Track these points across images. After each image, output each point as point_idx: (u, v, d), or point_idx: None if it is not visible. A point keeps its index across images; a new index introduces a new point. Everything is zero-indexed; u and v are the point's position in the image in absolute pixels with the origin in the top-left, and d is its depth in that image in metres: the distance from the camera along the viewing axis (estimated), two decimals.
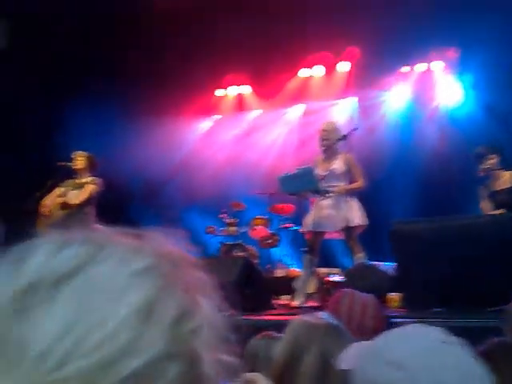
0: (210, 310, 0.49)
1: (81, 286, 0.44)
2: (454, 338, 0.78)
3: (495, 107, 6.74)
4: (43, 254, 0.46)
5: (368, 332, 2.05)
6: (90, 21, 7.73)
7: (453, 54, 7.19)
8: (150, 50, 8.00)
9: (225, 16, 7.45)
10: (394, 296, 4.55)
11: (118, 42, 7.84)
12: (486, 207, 5.02)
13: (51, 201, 5.46)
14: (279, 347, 1.76)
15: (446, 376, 0.74)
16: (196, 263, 0.51)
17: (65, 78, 8.03)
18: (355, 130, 5.21)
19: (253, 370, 1.96)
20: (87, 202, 5.47)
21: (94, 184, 5.54)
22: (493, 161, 4.94)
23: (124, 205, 7.89)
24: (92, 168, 5.65)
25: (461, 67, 7.26)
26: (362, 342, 1.05)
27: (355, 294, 2.07)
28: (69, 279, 0.44)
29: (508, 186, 4.94)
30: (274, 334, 2.14)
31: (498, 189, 4.96)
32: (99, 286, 0.44)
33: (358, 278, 2.54)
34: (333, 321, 1.81)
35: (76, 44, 7.91)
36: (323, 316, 1.86)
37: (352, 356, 0.94)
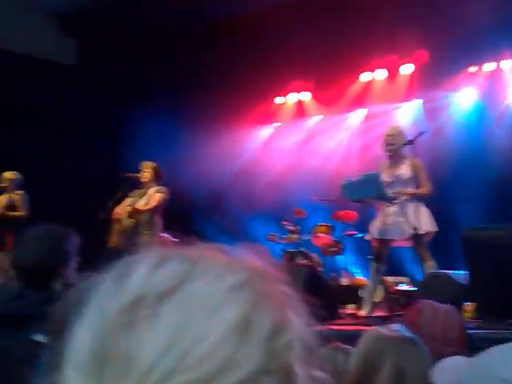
0: (299, 324, 0.50)
1: (181, 302, 0.46)
2: None
3: None
4: (144, 271, 0.48)
5: (452, 344, 1.97)
6: (155, 34, 7.98)
7: None
8: (213, 61, 8.15)
9: (287, 24, 7.47)
10: (467, 306, 4.37)
11: (182, 53, 8.07)
12: None
13: (122, 210, 5.67)
14: (353, 359, 1.73)
15: None
16: (282, 277, 0.52)
17: (131, 90, 8.32)
18: (422, 133, 5.05)
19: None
20: (155, 210, 5.63)
21: (162, 193, 5.70)
22: None
23: (187, 213, 8.05)
24: (158, 178, 5.82)
25: None
26: (457, 357, 1.00)
27: (436, 306, 1.99)
28: (169, 295, 0.46)
29: None
30: (341, 345, 2.10)
31: None
32: (197, 301, 0.46)
33: (432, 288, 2.44)
34: (408, 333, 1.77)
35: (142, 56, 8.19)
36: (397, 328, 1.82)
37: (449, 371, 0.90)
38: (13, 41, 8.05)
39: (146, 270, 0.48)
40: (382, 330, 1.75)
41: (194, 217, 8.08)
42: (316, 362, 0.50)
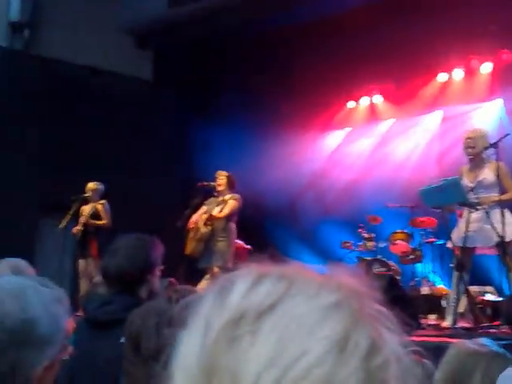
0: (394, 344, 0.50)
1: (279, 320, 0.48)
2: None
3: None
4: (242, 289, 0.50)
5: None
6: (227, 44, 8.15)
7: None
8: (285, 66, 8.21)
9: (362, 27, 7.38)
10: None
11: (251, 60, 8.18)
12: None
13: (198, 217, 5.83)
14: (440, 374, 1.68)
15: None
16: (376, 296, 0.53)
17: (204, 100, 8.54)
18: (507, 136, 4.78)
19: None
20: (229, 217, 5.74)
21: (235, 200, 5.80)
22: None
23: (261, 221, 8.12)
24: (232, 186, 5.94)
25: None
26: None
27: None
28: (268, 313, 0.48)
29: None
30: (421, 358, 2.03)
31: None
32: (295, 319, 0.48)
33: None
34: (497, 348, 1.70)
35: (213, 67, 8.39)
36: (486, 342, 1.75)
37: None
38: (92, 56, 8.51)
39: (245, 287, 0.50)
40: (470, 343, 1.69)
41: (268, 224, 8.14)
42: (412, 382, 0.50)
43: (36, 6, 8.31)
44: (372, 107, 8.76)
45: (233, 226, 5.78)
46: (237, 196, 5.84)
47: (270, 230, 7.93)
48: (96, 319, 2.01)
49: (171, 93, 8.58)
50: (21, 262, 2.36)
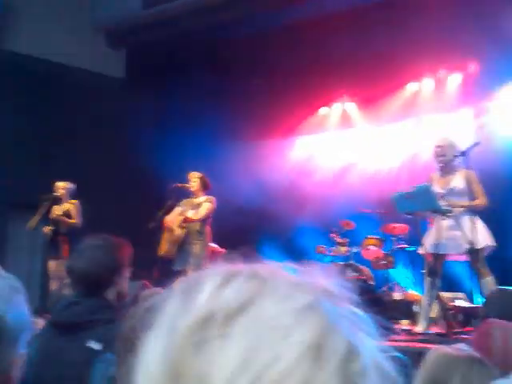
0: (373, 349, 0.47)
1: (250, 322, 0.45)
2: None
3: None
4: (210, 288, 0.47)
5: None
6: (204, 47, 8.10)
7: None
8: (257, 71, 8.21)
9: (333, 34, 7.44)
10: None
11: (223, 63, 8.15)
12: None
13: (172, 219, 5.76)
14: (419, 378, 1.67)
15: None
16: (353, 299, 0.50)
17: (175, 101, 8.45)
18: (477, 144, 4.87)
19: None
20: (205, 219, 5.69)
21: (210, 202, 5.75)
22: None
23: (237, 225, 8.07)
24: (205, 187, 5.87)
25: None
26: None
27: (508, 326, 1.86)
28: (238, 315, 0.45)
29: None
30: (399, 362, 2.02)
31: None
32: (267, 322, 0.45)
33: (501, 306, 2.29)
34: (475, 353, 1.70)
35: (185, 68, 8.31)
36: (464, 348, 1.75)
37: None
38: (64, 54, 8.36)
39: (215, 287, 0.47)
40: (449, 349, 1.69)
41: (241, 229, 8.09)
42: None
43: (8, 1, 8.13)
44: (345, 114, 8.83)
45: (208, 228, 5.74)
46: (212, 198, 5.79)
47: (243, 234, 7.89)
48: (61, 321, 1.94)
49: (143, 92, 8.48)
50: None
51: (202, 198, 5.79)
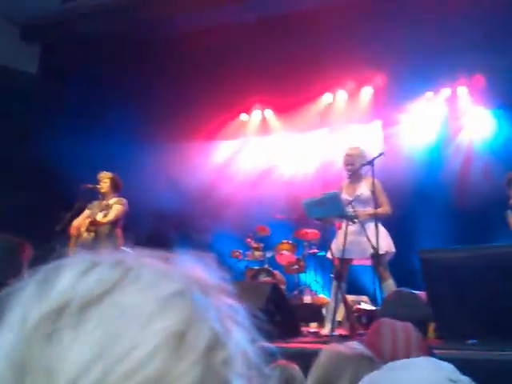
0: (242, 340, 0.47)
1: (108, 312, 0.42)
2: (463, 378, 0.73)
3: None
4: (70, 276, 0.45)
5: None
6: (116, 44, 7.91)
7: (478, 80, 7.13)
8: (176, 74, 8.14)
9: (251, 41, 7.56)
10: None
11: (142, 63, 8.01)
12: None
13: (80, 222, 5.52)
14: (310, 375, 1.73)
15: None
16: (227, 290, 0.50)
17: (89, 100, 8.19)
18: (381, 155, 5.16)
19: None
20: (114, 222, 5.49)
21: (121, 204, 5.55)
22: None
23: (152, 228, 7.94)
24: (116, 188, 5.65)
25: (487, 94, 7.18)
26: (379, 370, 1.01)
27: (396, 324, 1.99)
28: (95, 304, 0.43)
29: None
30: (287, 363, 2.09)
31: None
32: (126, 311, 0.43)
33: (397, 306, 2.43)
34: (366, 351, 1.78)
35: (102, 65, 8.09)
36: (355, 346, 1.82)
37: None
38: None
39: (74, 275, 0.44)
40: (340, 347, 1.76)
41: (158, 232, 7.98)
42: (260, 380, 0.48)
43: None
44: (263, 120, 8.98)
45: (119, 231, 5.55)
46: (123, 200, 5.59)
47: (158, 238, 7.77)
48: None
49: (55, 89, 8.13)
50: None
51: (112, 200, 5.59)
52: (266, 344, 0.54)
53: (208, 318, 0.45)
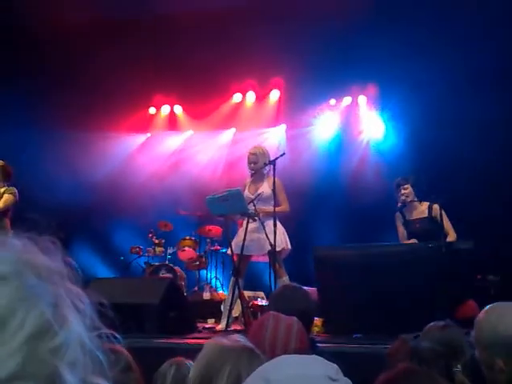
0: (80, 328, 0.45)
1: None
2: (342, 378, 0.79)
3: (413, 140, 7.15)
4: None
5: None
6: (17, 34, 7.48)
7: (373, 89, 7.59)
8: (84, 65, 7.83)
9: (163, 34, 7.47)
10: (316, 321, 4.63)
11: (42, 54, 7.63)
12: (402, 235, 5.25)
13: None
14: (193, 369, 1.74)
15: None
16: (71, 278, 0.48)
17: None
18: (283, 155, 5.32)
19: None
20: (3, 212, 5.17)
21: (11, 193, 5.24)
22: (407, 191, 5.18)
23: (47, 220, 7.56)
24: (7, 177, 5.34)
25: (381, 102, 7.65)
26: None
27: (280, 317, 2.06)
28: None
29: (422, 216, 5.17)
30: (184, 359, 2.11)
31: (413, 219, 5.20)
32: None
33: (283, 301, 2.53)
34: (247, 343, 1.81)
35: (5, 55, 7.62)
36: (238, 338, 1.85)
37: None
38: None
39: None
40: (222, 339, 1.78)
41: (56, 224, 7.59)
42: (97, 368, 0.47)
43: None
44: (172, 116, 8.89)
45: (7, 222, 5.23)
46: (13, 190, 5.28)
47: (54, 230, 7.41)
48: None
49: None
50: None
51: (2, 189, 5.27)
52: (107, 331, 0.53)
53: (40, 304, 0.43)
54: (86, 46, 7.64)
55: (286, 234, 5.21)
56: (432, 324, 2.43)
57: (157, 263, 7.26)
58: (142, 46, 7.71)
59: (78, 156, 8.06)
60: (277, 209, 5.08)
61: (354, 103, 8.02)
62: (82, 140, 8.09)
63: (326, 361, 0.86)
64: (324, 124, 8.14)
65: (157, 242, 7.45)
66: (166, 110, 8.88)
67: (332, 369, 0.81)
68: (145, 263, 7.40)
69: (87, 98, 7.89)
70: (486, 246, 4.84)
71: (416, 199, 5.20)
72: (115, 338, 0.55)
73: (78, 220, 7.80)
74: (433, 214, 5.00)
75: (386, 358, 2.31)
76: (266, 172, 5.32)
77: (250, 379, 0.83)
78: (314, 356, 0.95)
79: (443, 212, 4.82)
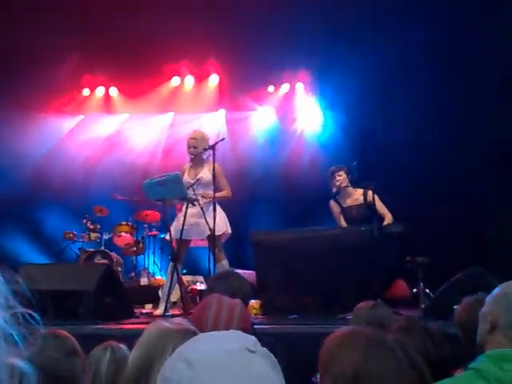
0: None
1: None
2: (260, 349, 0.82)
3: (349, 128, 7.36)
4: None
5: None
6: None
7: (307, 76, 7.71)
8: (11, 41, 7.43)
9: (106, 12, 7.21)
10: (254, 303, 4.73)
11: None
12: (339, 221, 5.44)
13: None
14: (133, 352, 1.74)
15: (227, 381, 0.75)
16: None
17: None
18: (222, 140, 5.33)
19: (94, 380, 1.92)
20: None
21: None
22: (342, 177, 5.37)
23: None
24: None
25: (318, 90, 7.80)
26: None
27: (223, 299, 2.10)
28: None
29: (358, 203, 5.38)
30: (117, 343, 2.10)
31: (349, 206, 5.41)
32: None
33: (220, 284, 2.58)
34: (190, 326, 1.83)
35: None
36: (180, 321, 1.87)
37: None
38: None
39: None
40: (164, 323, 1.79)
41: None
42: (15, 350, 0.48)
43: None
44: (107, 98, 8.63)
45: None
46: None
47: None
48: None
49: None
50: None
51: None
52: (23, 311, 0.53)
53: None
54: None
55: (226, 218, 5.24)
56: (362, 304, 2.58)
57: (92, 249, 7.09)
58: (66, 22, 7.39)
59: (6, 137, 7.68)
60: (219, 194, 5.10)
61: (293, 90, 8.13)
62: (10, 121, 7.71)
63: (243, 333, 0.89)
64: (263, 111, 8.20)
65: (92, 227, 7.26)
66: (100, 91, 8.61)
67: (250, 341, 0.84)
68: (79, 249, 7.21)
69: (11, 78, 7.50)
70: (415, 229, 5.10)
71: (350, 185, 5.39)
72: (33, 317, 0.55)
73: (7, 205, 7.46)
74: (368, 200, 5.20)
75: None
76: (205, 157, 5.31)
77: (170, 361, 0.85)
78: (231, 331, 0.98)
79: (376, 196, 5.02)
